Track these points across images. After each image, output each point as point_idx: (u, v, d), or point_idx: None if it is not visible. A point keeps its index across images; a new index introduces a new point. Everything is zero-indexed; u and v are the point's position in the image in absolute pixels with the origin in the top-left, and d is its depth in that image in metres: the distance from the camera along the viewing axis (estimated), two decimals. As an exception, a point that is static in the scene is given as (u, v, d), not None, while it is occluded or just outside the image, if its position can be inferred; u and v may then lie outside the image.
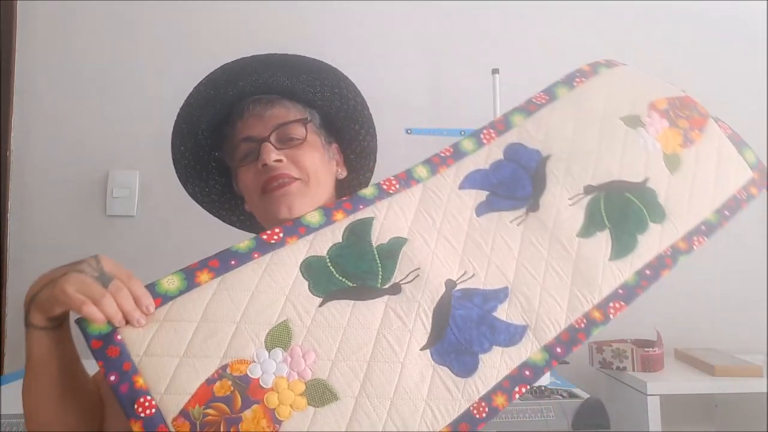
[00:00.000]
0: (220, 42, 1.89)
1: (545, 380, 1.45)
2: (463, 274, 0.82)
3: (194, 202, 1.00)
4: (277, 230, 0.80)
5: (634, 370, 1.60)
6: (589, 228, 0.87)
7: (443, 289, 0.80)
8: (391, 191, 0.87)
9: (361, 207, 0.84)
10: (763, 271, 1.92)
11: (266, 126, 0.87)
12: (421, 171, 0.90)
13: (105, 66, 1.88)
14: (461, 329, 0.77)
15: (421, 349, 0.74)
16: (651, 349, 1.61)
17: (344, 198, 0.85)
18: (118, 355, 0.67)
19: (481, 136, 0.95)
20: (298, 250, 0.79)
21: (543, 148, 0.94)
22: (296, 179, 0.86)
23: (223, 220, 1.04)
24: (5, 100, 1.82)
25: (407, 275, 0.80)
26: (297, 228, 0.81)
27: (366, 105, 0.96)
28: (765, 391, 1.50)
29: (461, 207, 0.88)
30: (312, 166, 0.87)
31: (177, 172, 0.96)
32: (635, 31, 2.03)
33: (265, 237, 0.79)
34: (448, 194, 0.89)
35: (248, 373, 0.68)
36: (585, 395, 1.33)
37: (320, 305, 0.75)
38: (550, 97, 1.00)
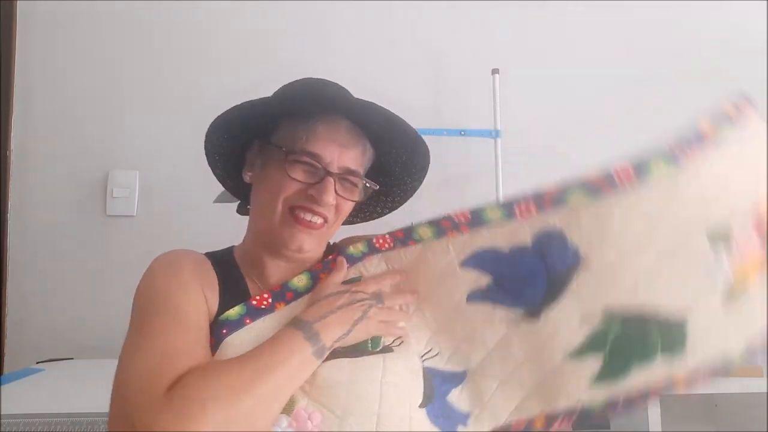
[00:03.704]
0: (220, 42, 1.89)
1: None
2: (428, 351, 0.81)
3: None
4: (266, 296, 0.79)
5: (634, 370, 1.60)
6: (583, 351, 0.75)
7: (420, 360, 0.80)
8: (383, 249, 0.82)
9: (348, 266, 0.82)
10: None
11: (338, 157, 0.80)
12: (424, 231, 0.80)
13: (105, 66, 1.88)
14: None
15: (419, 406, 0.76)
16: (651, 349, 1.60)
17: (330, 257, 0.83)
18: None
19: (515, 207, 0.75)
20: (287, 317, 0.77)
21: (586, 250, 0.72)
22: (325, 221, 0.83)
23: None
24: (5, 100, 1.82)
25: (393, 341, 0.79)
26: (284, 293, 0.80)
27: (428, 160, 0.89)
28: (765, 391, 1.49)
29: (453, 287, 0.78)
30: (344, 213, 0.85)
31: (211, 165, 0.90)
32: (636, 31, 2.02)
33: (254, 302, 0.78)
34: (445, 267, 0.78)
35: None
36: (585, 395, 1.33)
37: (317, 367, 0.73)
38: (640, 175, 0.70)
